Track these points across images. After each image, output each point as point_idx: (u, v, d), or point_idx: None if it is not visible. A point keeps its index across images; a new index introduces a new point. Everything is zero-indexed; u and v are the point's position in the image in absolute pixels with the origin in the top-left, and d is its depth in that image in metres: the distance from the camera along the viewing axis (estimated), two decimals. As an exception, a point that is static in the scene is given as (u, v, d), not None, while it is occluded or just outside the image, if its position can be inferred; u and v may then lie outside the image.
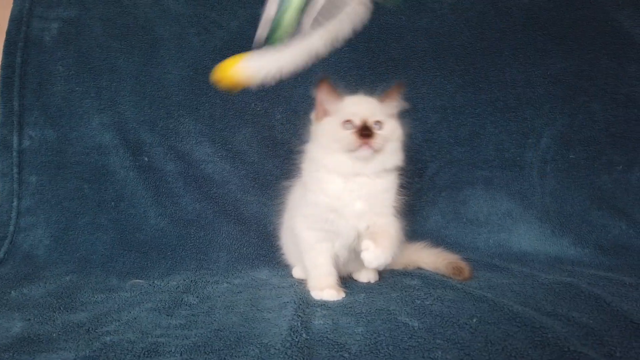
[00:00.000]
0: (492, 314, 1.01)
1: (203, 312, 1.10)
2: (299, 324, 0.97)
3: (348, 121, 1.21)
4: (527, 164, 1.82)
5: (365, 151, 1.19)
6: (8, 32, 1.77)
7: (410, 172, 1.32)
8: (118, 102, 1.80)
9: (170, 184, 1.79)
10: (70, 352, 0.89)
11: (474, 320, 0.97)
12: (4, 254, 1.62)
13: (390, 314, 1.04)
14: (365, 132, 1.18)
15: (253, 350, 0.86)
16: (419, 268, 1.49)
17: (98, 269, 1.55)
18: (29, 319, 1.08)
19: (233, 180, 1.82)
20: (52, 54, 1.79)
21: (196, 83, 1.84)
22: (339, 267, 1.30)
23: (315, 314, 1.05)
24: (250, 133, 1.85)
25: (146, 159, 1.79)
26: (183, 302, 1.19)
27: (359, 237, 1.23)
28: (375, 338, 0.91)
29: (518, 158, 1.83)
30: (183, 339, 0.93)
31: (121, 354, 0.87)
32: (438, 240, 1.56)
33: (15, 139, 1.74)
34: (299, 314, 1.04)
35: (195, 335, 0.95)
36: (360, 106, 1.23)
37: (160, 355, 0.86)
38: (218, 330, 0.97)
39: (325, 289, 1.20)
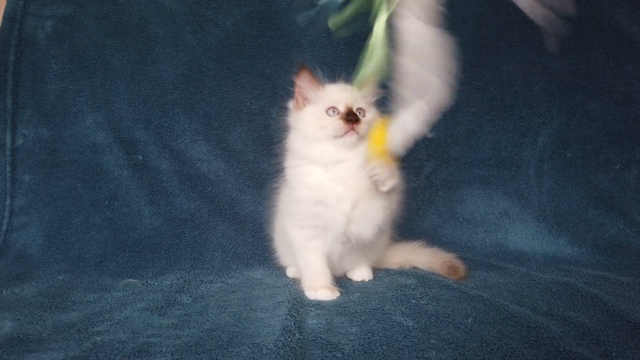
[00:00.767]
0: (488, 313, 1.00)
1: (196, 312, 1.09)
2: (293, 324, 0.96)
3: (332, 108, 1.20)
4: (524, 163, 1.82)
5: (351, 137, 1.18)
6: (1, 30, 1.76)
7: (406, 171, 1.31)
8: (112, 101, 1.79)
9: (165, 182, 1.78)
10: (59, 352, 0.88)
11: (470, 320, 0.97)
12: (-3, 253, 1.61)
13: (385, 313, 1.03)
14: (351, 117, 1.18)
15: (245, 350, 0.86)
16: (415, 268, 1.49)
17: (91, 268, 1.54)
18: (20, 319, 1.07)
19: (228, 179, 1.81)
20: (46, 52, 1.78)
21: (191, 81, 1.83)
22: (333, 265, 1.29)
23: (309, 314, 1.05)
24: (245, 132, 1.84)
25: (140, 157, 1.78)
26: (176, 301, 1.18)
27: (349, 223, 1.21)
28: (369, 338, 0.90)
29: (515, 157, 1.83)
30: (174, 339, 0.92)
31: (111, 354, 0.86)
32: (434, 240, 1.55)
33: (8, 138, 1.72)
34: (293, 313, 1.03)
35: (187, 335, 0.94)
36: (344, 93, 1.22)
37: (150, 356, 0.85)
38: (210, 330, 0.96)
39: (319, 288, 1.19)
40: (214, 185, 1.81)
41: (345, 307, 1.09)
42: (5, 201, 1.70)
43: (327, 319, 1.01)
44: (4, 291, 1.29)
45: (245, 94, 1.83)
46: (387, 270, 1.46)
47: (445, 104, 0.99)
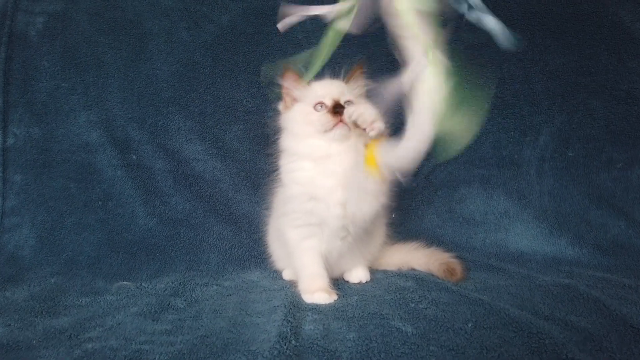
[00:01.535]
0: (488, 318, 0.98)
1: (190, 317, 1.07)
2: (289, 330, 0.94)
3: (319, 103, 1.21)
4: (525, 162, 1.80)
5: (341, 129, 1.18)
6: (-9, 26, 1.75)
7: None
8: (105, 99, 1.77)
9: (160, 182, 1.77)
10: (49, 360, 0.87)
11: (470, 325, 0.95)
12: (-12, 256, 1.59)
13: (383, 318, 1.01)
14: (338, 109, 1.18)
15: (240, 357, 0.84)
16: (413, 269, 1.47)
17: (84, 270, 1.53)
18: (9, 324, 1.06)
19: (224, 179, 1.80)
20: (38, 49, 1.76)
21: (186, 79, 1.81)
22: (331, 266, 1.28)
23: (305, 319, 1.03)
24: (242, 130, 1.83)
25: (134, 157, 1.76)
26: (170, 305, 1.16)
27: (345, 210, 1.20)
28: (367, 344, 0.88)
29: (515, 156, 1.81)
30: (168, 346, 0.90)
31: (102, 362, 0.85)
32: (433, 240, 1.54)
33: (-1, 137, 1.71)
34: (289, 318, 1.01)
35: (181, 341, 0.93)
36: (330, 88, 1.23)
37: (142, 364, 0.84)
38: (204, 336, 0.95)
39: (316, 292, 1.17)
40: (210, 185, 1.80)
41: (342, 311, 1.07)
42: (-4, 202, 1.68)
43: (324, 324, 0.99)
44: (-5, 295, 1.29)
45: (241, 91, 1.82)
46: (385, 272, 1.45)
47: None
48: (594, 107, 1.80)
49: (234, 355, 0.85)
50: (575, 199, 1.75)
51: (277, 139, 1.30)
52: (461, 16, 0.90)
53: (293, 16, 1.04)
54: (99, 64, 1.78)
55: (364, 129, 1.14)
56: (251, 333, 0.95)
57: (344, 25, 1.01)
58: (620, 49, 1.79)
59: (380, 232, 1.42)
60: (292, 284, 1.31)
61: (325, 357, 0.83)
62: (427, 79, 0.92)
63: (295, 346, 0.87)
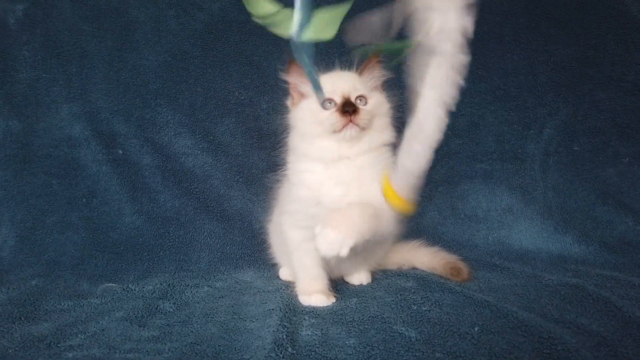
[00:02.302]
0: (495, 321, 0.95)
1: (179, 322, 1.04)
2: (285, 336, 0.91)
3: (328, 100, 1.12)
4: (529, 157, 1.79)
5: (351, 130, 1.10)
6: (-32, 14, 1.70)
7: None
8: (89, 90, 1.73)
9: (147, 178, 1.74)
10: (25, 371, 0.83)
11: (476, 329, 0.91)
12: (-35, 257, 1.57)
13: (385, 322, 0.98)
14: (347, 108, 1.09)
15: (232, 367, 0.81)
16: (414, 268, 1.45)
17: (67, 272, 1.50)
18: (-15, 332, 1.02)
19: (215, 175, 1.77)
20: (17, 38, 1.72)
21: (175, 69, 1.78)
22: (331, 268, 1.25)
23: (302, 323, 0.99)
24: (233, 124, 1.79)
25: (120, 151, 1.73)
26: (158, 309, 1.13)
27: None
28: (368, 351, 0.84)
29: (519, 150, 1.80)
30: (155, 355, 0.87)
31: (83, 374, 0.81)
32: (434, 238, 1.52)
33: (-24, 131, 1.68)
34: (285, 323, 0.97)
35: (169, 349, 0.89)
36: (340, 82, 1.13)
37: (126, 376, 0.80)
38: (194, 343, 0.91)
39: (313, 293, 1.14)
40: (200, 181, 1.77)
41: (341, 314, 1.04)
42: (-27, 200, 1.65)
43: (322, 329, 0.95)
44: (-29, 300, 1.24)
45: (233, 83, 1.79)
46: (385, 271, 1.42)
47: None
48: (599, 99, 1.79)
49: (226, 364, 0.82)
50: (580, 194, 1.74)
51: (285, 136, 1.24)
52: None
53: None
54: (83, 53, 1.74)
55: None
56: (244, 340, 0.91)
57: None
58: (627, 39, 1.78)
59: (387, 243, 1.37)
60: (288, 285, 1.29)
61: (324, 367, 0.80)
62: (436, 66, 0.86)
63: (292, 354, 0.84)
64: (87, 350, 0.89)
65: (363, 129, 1.11)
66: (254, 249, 1.60)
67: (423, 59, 0.86)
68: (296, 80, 1.16)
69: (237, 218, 1.73)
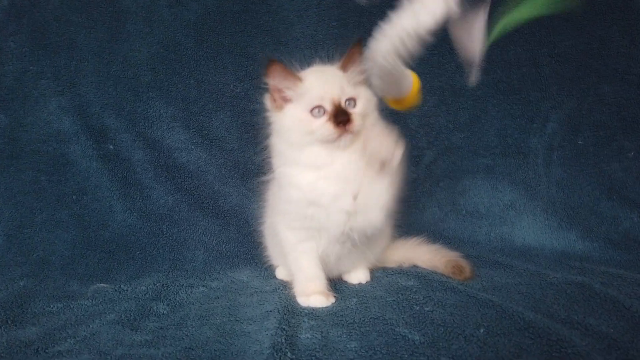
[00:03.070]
0: (501, 322, 0.93)
1: (173, 325, 1.02)
2: (283, 340, 0.88)
3: (317, 107, 1.07)
4: (532, 151, 1.77)
5: (345, 139, 1.08)
6: (-50, 4, 1.69)
7: (405, 161, 1.23)
8: (78, 83, 1.71)
9: (139, 174, 1.72)
10: (11, 380, 0.82)
11: (482, 330, 0.89)
12: (-50, 257, 1.56)
13: (387, 323, 0.96)
14: (341, 118, 1.05)
15: (228, 374, 0.80)
16: (415, 266, 1.43)
17: (57, 272, 1.48)
18: (-31, 338, 1.00)
19: (210, 170, 1.76)
20: (3, 29, 1.69)
21: (167, 61, 1.75)
22: (329, 267, 1.22)
23: (301, 326, 0.97)
24: (229, 117, 1.77)
25: (111, 147, 1.71)
26: (151, 311, 1.11)
27: (351, 218, 1.13)
28: (371, 356, 0.82)
29: (522, 144, 1.78)
30: None
31: (72, 381, 0.80)
32: (435, 234, 1.50)
33: (-39, 126, 1.67)
34: (284, 326, 0.95)
35: (163, 354, 0.87)
36: (327, 85, 1.08)
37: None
38: (189, 348, 0.89)
39: (312, 294, 1.11)
40: (194, 176, 1.75)
41: (342, 316, 1.02)
42: (-42, 197, 1.65)
43: (322, 332, 0.93)
44: (-45, 302, 1.22)
45: (227, 75, 1.77)
46: (385, 270, 1.40)
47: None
48: (604, 92, 1.77)
49: (222, 371, 0.81)
50: (584, 190, 1.73)
51: (266, 133, 1.21)
52: None
53: None
54: (71, 44, 1.71)
55: (383, 162, 1.04)
56: (241, 344, 0.89)
57: None
58: (632, 31, 1.76)
59: (386, 235, 1.35)
60: (286, 285, 1.27)
61: (325, 373, 0.79)
62: None
63: (292, 359, 0.82)
64: (76, 356, 0.87)
65: (357, 133, 1.09)
66: (250, 247, 1.57)
67: None
68: (279, 82, 1.09)
69: (232, 215, 1.72)
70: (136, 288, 1.29)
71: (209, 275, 1.41)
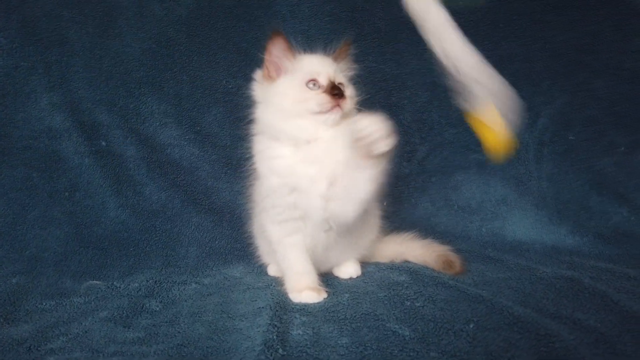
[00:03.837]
0: (490, 317, 0.94)
1: (166, 322, 1.02)
2: (275, 337, 0.89)
3: (313, 80, 1.13)
4: (523, 147, 1.78)
5: (336, 114, 1.13)
6: (-62, -1, 1.65)
7: (397, 156, 1.28)
8: (70, 79, 1.70)
9: (132, 171, 1.71)
10: (3, 378, 0.82)
11: (471, 325, 0.90)
12: (-59, 253, 1.54)
13: (378, 319, 0.97)
14: (336, 91, 1.12)
15: (221, 371, 0.80)
16: (406, 261, 1.44)
17: (50, 269, 1.47)
18: (-39, 335, 0.99)
19: (203, 166, 1.75)
20: None
21: (159, 57, 1.74)
22: (318, 260, 1.23)
23: (293, 322, 0.98)
24: (221, 113, 1.77)
25: (104, 143, 1.70)
26: (144, 308, 1.11)
27: (328, 204, 1.13)
28: (361, 351, 0.83)
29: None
30: (140, 357, 0.85)
31: (64, 380, 0.80)
32: (427, 229, 1.52)
33: (-49, 122, 1.64)
34: (275, 322, 0.96)
35: (155, 352, 0.87)
36: (324, 65, 1.16)
37: (111, 381, 0.79)
38: (181, 345, 0.89)
39: (304, 290, 1.12)
40: (187, 173, 1.75)
41: (333, 311, 1.03)
42: (-50, 194, 1.61)
43: (313, 328, 0.94)
44: (-53, 300, 1.21)
45: (220, 71, 1.76)
46: (377, 265, 1.41)
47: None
48: (596, 88, 1.78)
49: (214, 367, 0.80)
50: (575, 185, 1.74)
51: (251, 115, 1.23)
52: None
53: None
54: (62, 40, 1.70)
55: (371, 144, 1.01)
56: (233, 340, 0.90)
57: None
58: (625, 26, 1.77)
59: (373, 225, 1.36)
60: (278, 281, 1.27)
61: (316, 368, 0.79)
62: None
63: (283, 355, 0.82)
64: (69, 353, 0.87)
65: (344, 114, 1.13)
66: (243, 243, 1.56)
67: None
68: (279, 54, 1.14)
69: (225, 211, 1.72)
70: (129, 285, 1.29)
71: (202, 272, 1.42)
